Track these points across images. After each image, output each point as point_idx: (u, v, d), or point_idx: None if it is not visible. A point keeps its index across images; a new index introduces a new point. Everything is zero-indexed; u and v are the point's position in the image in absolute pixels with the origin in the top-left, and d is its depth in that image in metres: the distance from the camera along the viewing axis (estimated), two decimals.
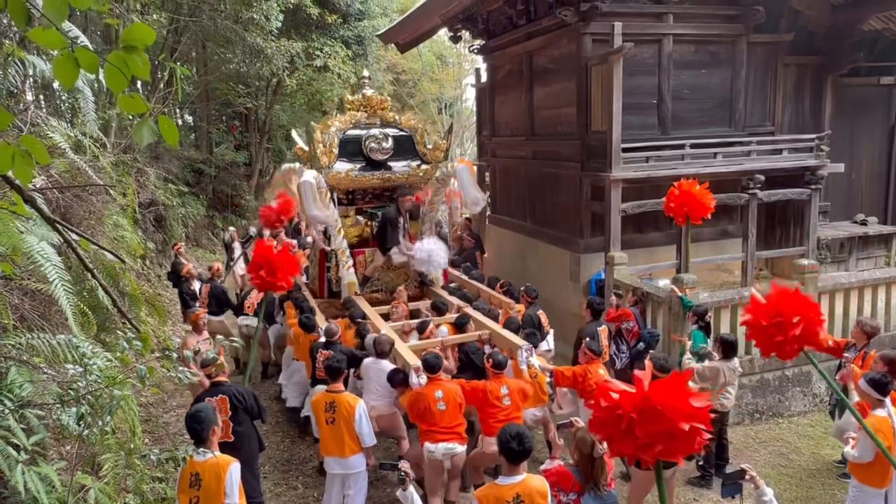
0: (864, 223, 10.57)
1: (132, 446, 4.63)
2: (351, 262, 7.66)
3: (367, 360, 5.88)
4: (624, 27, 8.02)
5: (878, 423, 4.42)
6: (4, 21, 6.14)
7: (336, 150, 7.71)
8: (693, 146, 8.87)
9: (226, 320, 8.60)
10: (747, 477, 3.73)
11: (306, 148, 8.59)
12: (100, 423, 3.39)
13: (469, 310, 7.00)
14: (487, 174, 13.42)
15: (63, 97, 9.05)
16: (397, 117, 8.32)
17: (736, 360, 5.90)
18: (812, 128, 10.12)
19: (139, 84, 13.14)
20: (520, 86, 11.08)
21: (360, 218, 8.34)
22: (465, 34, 13.57)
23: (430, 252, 7.59)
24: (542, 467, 4.05)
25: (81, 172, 6.56)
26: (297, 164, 8.43)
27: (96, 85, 7.88)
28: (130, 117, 10.21)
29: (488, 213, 13.34)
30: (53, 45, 1.61)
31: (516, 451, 3.58)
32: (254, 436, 5.04)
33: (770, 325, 3.77)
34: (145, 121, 1.93)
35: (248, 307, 8.27)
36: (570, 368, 5.86)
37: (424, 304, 7.61)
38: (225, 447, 4.52)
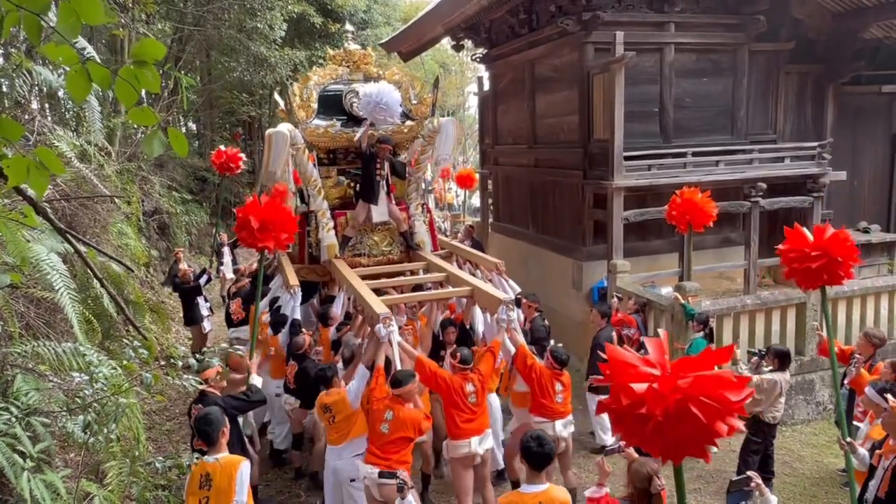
0: (866, 231, 10.56)
1: (136, 454, 4.64)
2: (331, 224, 7.22)
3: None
4: (625, 36, 8.06)
5: (877, 429, 4.42)
6: (12, 31, 6.20)
7: (314, 105, 7.22)
8: (695, 154, 8.89)
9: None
10: (753, 485, 3.72)
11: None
12: (105, 430, 3.41)
13: (450, 267, 6.80)
14: (490, 182, 13.47)
15: (68, 106, 9.13)
16: (381, 72, 7.88)
17: (788, 372, 5.74)
18: (814, 136, 10.14)
19: (143, 93, 13.23)
20: (522, 94, 11.13)
21: (342, 178, 7.78)
22: (468, 43, 13.65)
23: (379, 94, 6.79)
24: (588, 494, 3.72)
25: (87, 181, 6.61)
26: None
27: (101, 93, 7.95)
28: (135, 126, 10.28)
29: (491, 220, 13.38)
30: (67, 61, 1.64)
31: (536, 452, 3.42)
32: (236, 451, 4.67)
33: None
34: (155, 132, 1.95)
35: (234, 314, 7.71)
36: (531, 364, 5.31)
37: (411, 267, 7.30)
38: None
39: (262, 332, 6.48)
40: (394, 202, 7.43)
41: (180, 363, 3.40)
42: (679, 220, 7.36)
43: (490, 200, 13.74)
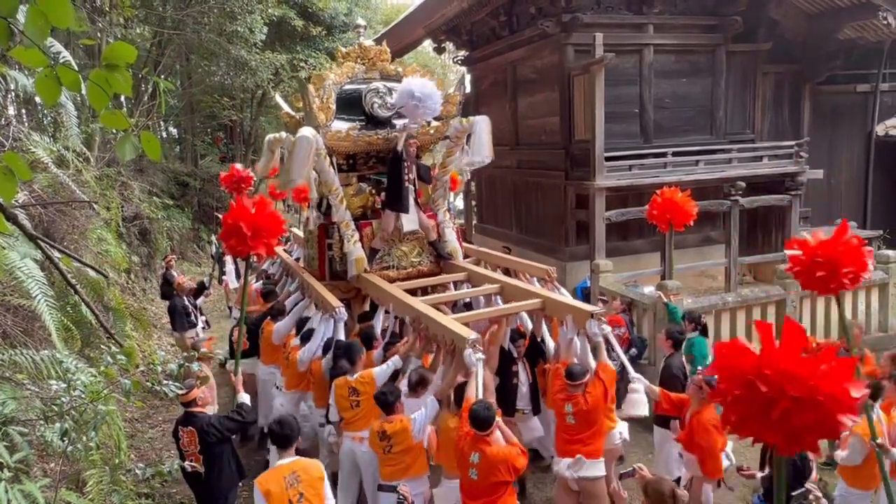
0: None
1: (117, 462, 4.58)
2: (357, 235, 6.64)
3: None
4: (605, 38, 8.13)
5: (865, 426, 4.47)
6: None
7: (334, 106, 6.66)
8: (675, 154, 8.99)
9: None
10: (811, 497, 3.70)
11: (293, 113, 7.53)
12: (84, 438, 3.37)
13: (503, 277, 6.29)
14: (473, 184, 13.50)
15: (45, 111, 9.02)
16: (399, 69, 7.35)
17: None
18: (791, 135, 10.29)
19: (122, 98, 13.10)
20: (504, 96, 11.17)
21: (364, 185, 7.13)
22: (450, 45, 13.68)
23: (422, 91, 6.25)
24: None
25: (64, 187, 6.52)
26: (284, 133, 7.14)
27: (79, 98, 7.86)
28: (114, 131, 10.17)
29: (474, 221, 13.41)
30: (36, 64, 1.63)
31: (279, 433, 3.79)
32: (229, 469, 4.63)
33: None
34: (128, 136, 1.94)
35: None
36: (679, 397, 4.78)
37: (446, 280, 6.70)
38: (198, 480, 4.39)
39: (292, 355, 5.92)
40: (421, 209, 6.89)
41: (160, 368, 3.37)
42: (660, 219, 7.42)
43: (473, 202, 13.78)
